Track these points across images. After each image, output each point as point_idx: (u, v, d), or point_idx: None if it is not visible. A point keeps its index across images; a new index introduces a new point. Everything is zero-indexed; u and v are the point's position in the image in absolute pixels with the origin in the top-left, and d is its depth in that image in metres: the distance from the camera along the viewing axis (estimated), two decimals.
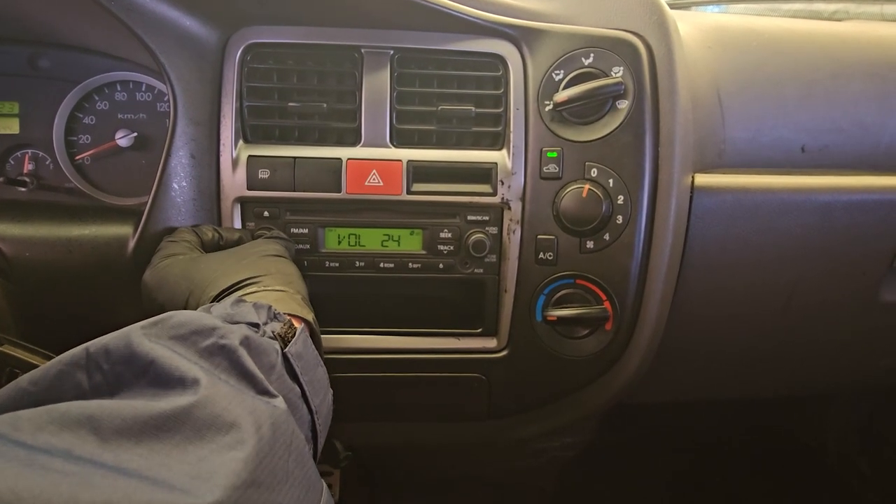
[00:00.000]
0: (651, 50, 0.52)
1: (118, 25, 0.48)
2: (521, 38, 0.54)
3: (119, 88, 0.63)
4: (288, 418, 0.32)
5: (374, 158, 0.53)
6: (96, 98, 0.63)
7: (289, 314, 0.39)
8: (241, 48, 0.53)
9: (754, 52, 0.61)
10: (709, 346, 0.64)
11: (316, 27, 0.54)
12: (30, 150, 0.62)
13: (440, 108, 0.54)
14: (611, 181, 0.52)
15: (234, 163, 0.53)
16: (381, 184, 0.53)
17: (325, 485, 0.33)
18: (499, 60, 0.54)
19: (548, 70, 0.53)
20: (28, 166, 0.62)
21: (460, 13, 0.52)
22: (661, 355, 0.58)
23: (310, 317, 0.42)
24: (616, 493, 1.02)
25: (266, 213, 0.54)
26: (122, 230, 0.53)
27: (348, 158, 0.53)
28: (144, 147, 0.62)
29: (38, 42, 0.61)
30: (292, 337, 0.37)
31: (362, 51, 0.54)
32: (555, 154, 0.53)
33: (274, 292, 0.42)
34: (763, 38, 0.63)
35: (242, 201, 0.54)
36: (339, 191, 0.53)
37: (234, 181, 0.53)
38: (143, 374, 0.29)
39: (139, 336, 0.30)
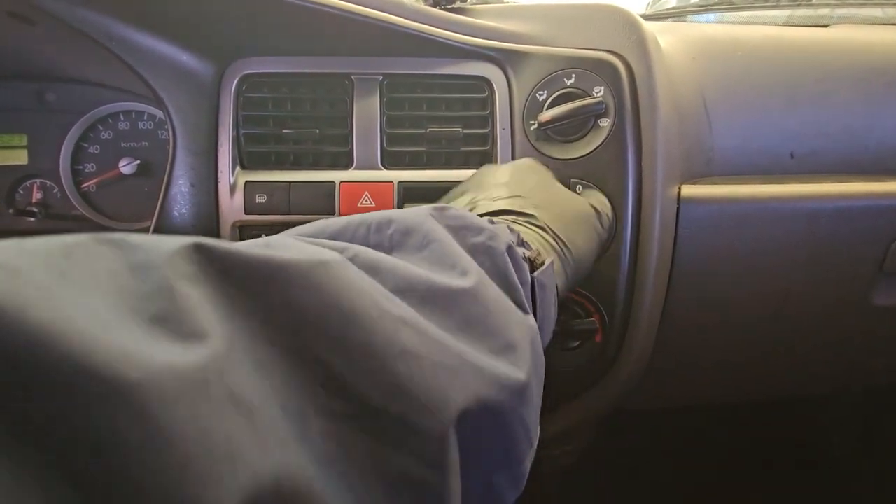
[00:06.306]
0: (631, 69, 0.53)
1: (119, 62, 0.50)
2: (506, 60, 0.55)
3: (122, 118, 0.65)
4: (539, 339, 0.30)
5: (366, 180, 0.55)
6: (100, 128, 0.65)
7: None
8: (237, 79, 0.55)
9: (739, 60, 0.62)
10: (701, 354, 0.65)
11: (308, 57, 0.56)
12: (38, 180, 0.65)
13: (429, 129, 0.55)
14: None
15: (232, 189, 0.55)
16: (374, 205, 0.55)
17: None
18: (484, 83, 0.56)
19: (532, 91, 0.54)
20: (37, 195, 0.65)
21: (446, 39, 0.54)
22: (655, 363, 0.59)
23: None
24: (617, 498, 1.03)
25: (264, 237, 0.56)
26: None
27: (341, 181, 0.55)
28: (147, 173, 0.65)
29: (45, 77, 0.64)
30: (540, 265, 0.34)
31: (353, 78, 0.56)
32: None
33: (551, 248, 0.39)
34: (748, 47, 0.64)
35: (241, 226, 0.56)
36: (334, 213, 0.55)
37: (232, 206, 0.55)
38: (419, 250, 0.28)
39: (425, 216, 0.29)
